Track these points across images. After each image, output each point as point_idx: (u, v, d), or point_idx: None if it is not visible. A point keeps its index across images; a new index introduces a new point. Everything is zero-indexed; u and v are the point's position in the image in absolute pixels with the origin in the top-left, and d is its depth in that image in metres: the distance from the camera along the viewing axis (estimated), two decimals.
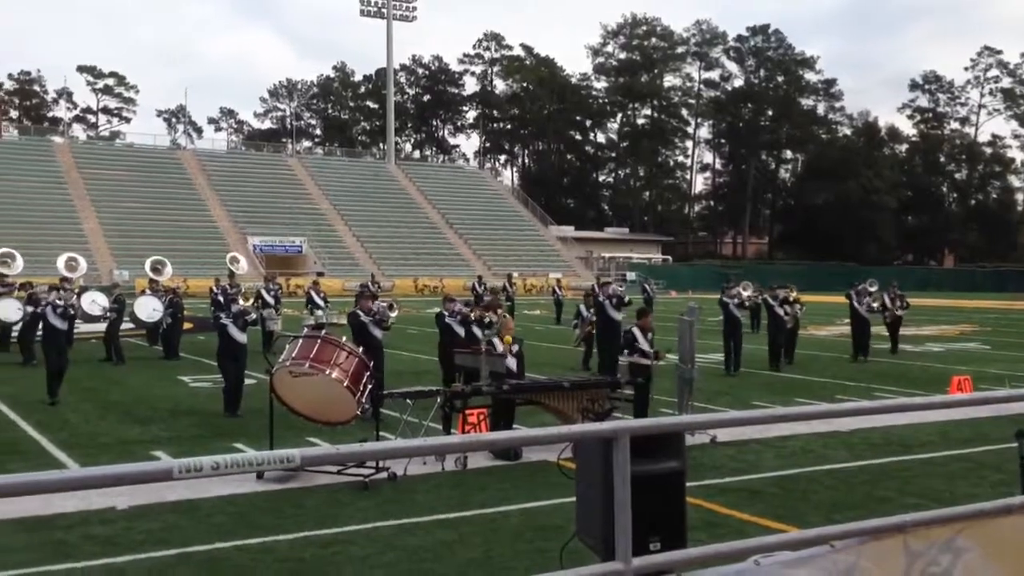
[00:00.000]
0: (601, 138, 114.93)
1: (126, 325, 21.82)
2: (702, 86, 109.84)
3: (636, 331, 12.77)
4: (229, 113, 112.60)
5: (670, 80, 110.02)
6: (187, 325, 24.07)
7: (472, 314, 15.64)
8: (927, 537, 4.46)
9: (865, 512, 7.28)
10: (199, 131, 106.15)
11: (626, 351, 12.71)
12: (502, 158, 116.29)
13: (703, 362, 15.42)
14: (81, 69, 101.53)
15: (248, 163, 78.15)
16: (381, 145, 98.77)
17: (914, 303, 26.53)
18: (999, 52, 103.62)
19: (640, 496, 3.89)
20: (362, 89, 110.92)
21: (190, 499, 8.53)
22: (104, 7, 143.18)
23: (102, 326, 20.63)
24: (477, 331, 15.10)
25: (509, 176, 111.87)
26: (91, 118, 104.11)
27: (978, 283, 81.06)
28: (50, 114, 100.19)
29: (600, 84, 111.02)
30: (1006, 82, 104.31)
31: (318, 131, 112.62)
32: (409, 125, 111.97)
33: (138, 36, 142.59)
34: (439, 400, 11.10)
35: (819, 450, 11.19)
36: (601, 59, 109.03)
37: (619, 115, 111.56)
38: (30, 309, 20.93)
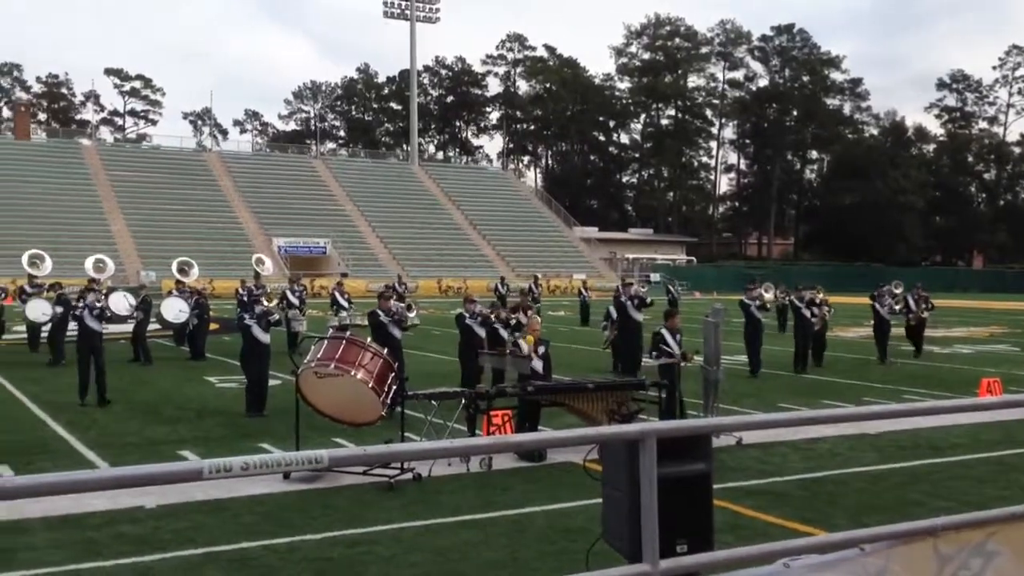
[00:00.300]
0: (625, 139, 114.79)
1: (153, 326, 22.01)
2: (726, 86, 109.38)
3: (664, 332, 12.71)
4: (254, 115, 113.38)
5: (694, 80, 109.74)
6: (213, 326, 24.24)
7: (496, 315, 15.66)
8: (957, 541, 4.42)
9: (894, 516, 7.22)
10: (224, 133, 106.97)
11: (654, 353, 12.65)
12: (525, 159, 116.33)
13: (728, 364, 15.34)
14: (108, 72, 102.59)
15: (273, 165, 78.58)
16: (405, 146, 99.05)
17: (942, 305, 26.30)
18: None
19: (667, 498, 3.88)
20: (386, 91, 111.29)
21: (218, 499, 8.58)
22: (130, 11, 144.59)
23: (129, 327, 20.81)
24: (503, 332, 15.12)
25: (533, 177, 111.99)
26: (118, 121, 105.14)
27: (1008, 284, 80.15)
28: (78, 117, 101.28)
29: (623, 84, 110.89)
30: None
31: (342, 133, 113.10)
32: (432, 126, 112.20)
33: (164, 39, 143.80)
34: (463, 401, 11.11)
35: (847, 453, 11.11)
36: (624, 59, 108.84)
37: (643, 116, 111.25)
38: (59, 310, 21.17)
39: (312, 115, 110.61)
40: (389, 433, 10.67)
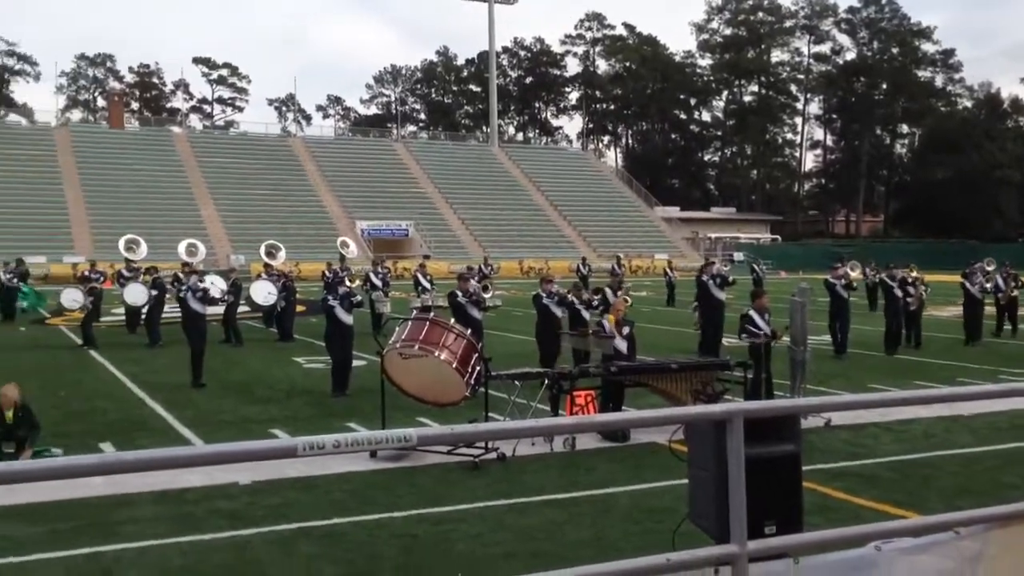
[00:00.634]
0: (706, 116, 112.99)
1: (242, 308, 22.57)
2: (812, 60, 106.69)
3: (752, 313, 12.52)
4: (336, 100, 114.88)
5: (778, 55, 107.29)
6: (299, 308, 24.74)
7: (578, 296, 15.64)
8: None
9: (989, 499, 7.02)
10: (308, 118, 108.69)
11: (743, 335, 12.45)
12: (605, 139, 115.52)
13: (814, 344, 15.05)
14: (196, 61, 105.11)
15: (355, 149, 79.59)
16: (484, 128, 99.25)
17: None
18: None
19: (755, 479, 3.84)
20: (465, 73, 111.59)
21: (308, 476, 8.80)
22: (217, 1, 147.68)
23: (220, 309, 21.37)
24: (585, 313, 15.11)
25: (613, 157, 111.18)
26: (206, 108, 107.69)
27: None
28: (168, 105, 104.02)
29: (705, 61, 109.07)
30: None
31: (422, 116, 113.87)
32: (512, 108, 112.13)
33: (249, 28, 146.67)
34: (546, 382, 11.15)
35: (941, 435, 10.82)
36: (706, 36, 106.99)
37: (725, 92, 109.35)
38: (154, 293, 21.91)
39: (393, 99, 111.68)
40: (473, 414, 10.77)
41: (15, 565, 6.57)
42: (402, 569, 6.52)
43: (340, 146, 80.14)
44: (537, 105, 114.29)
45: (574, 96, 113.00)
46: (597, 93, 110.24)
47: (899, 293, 19.46)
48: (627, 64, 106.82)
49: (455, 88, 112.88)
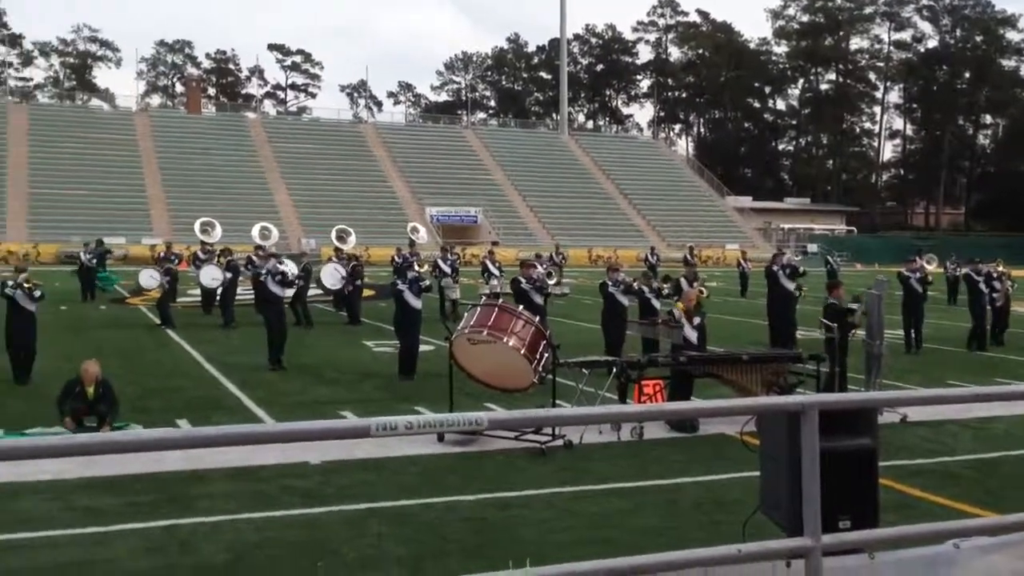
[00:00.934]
0: (781, 105, 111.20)
1: (314, 292, 22.92)
2: (892, 48, 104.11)
3: (833, 302, 12.25)
4: (407, 87, 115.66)
5: (856, 42, 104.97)
6: (368, 292, 25.04)
7: (648, 284, 15.54)
8: None
9: None
10: (379, 105, 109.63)
11: (832, 323, 12.17)
12: (677, 127, 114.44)
13: (891, 338, 14.72)
14: (271, 48, 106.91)
15: (425, 135, 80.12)
16: (554, 116, 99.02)
17: None
18: None
19: (829, 473, 3.79)
20: (535, 60, 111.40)
21: (377, 457, 8.91)
22: None
23: (290, 292, 21.71)
24: (655, 302, 15.02)
25: (684, 146, 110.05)
26: (280, 94, 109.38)
27: None
28: (243, 91, 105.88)
29: (780, 48, 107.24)
30: None
31: (492, 103, 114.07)
32: (582, 95, 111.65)
33: (322, 15, 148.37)
34: (614, 370, 11.10)
35: (1022, 434, 10.51)
36: (782, 22, 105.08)
37: (800, 80, 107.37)
38: (228, 275, 22.38)
39: (463, 86, 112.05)
40: (540, 400, 10.78)
41: (99, 535, 6.79)
42: (469, 552, 6.57)
43: (410, 133, 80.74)
44: (608, 93, 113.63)
45: (645, 84, 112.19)
46: (669, 81, 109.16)
47: (984, 288, 18.86)
48: (700, 51, 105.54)
49: (525, 75, 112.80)
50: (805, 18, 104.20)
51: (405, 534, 6.89)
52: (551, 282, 16.41)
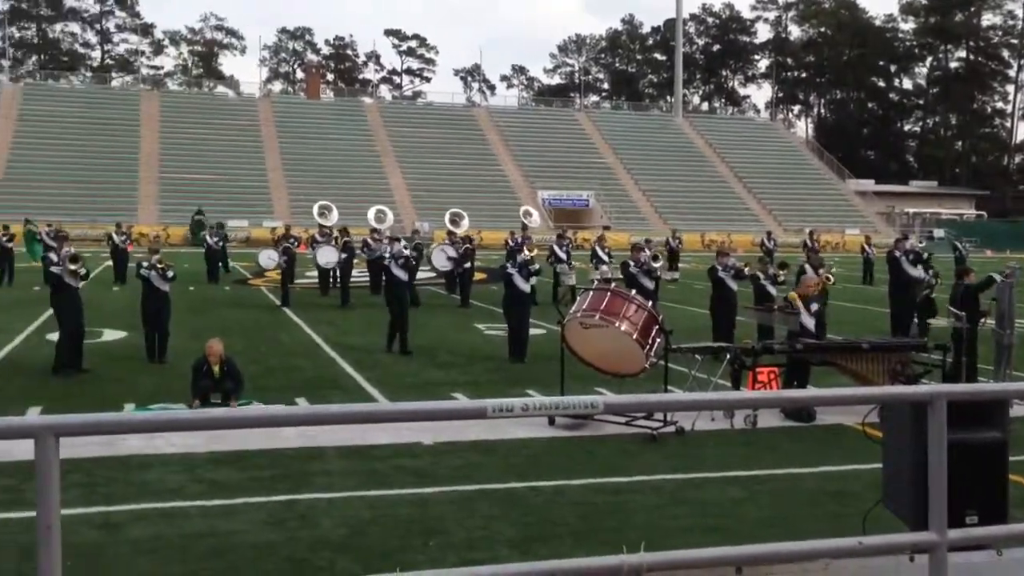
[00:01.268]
0: (907, 84, 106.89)
1: (425, 274, 23.25)
2: None
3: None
4: (520, 70, 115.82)
5: (989, 19, 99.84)
6: (479, 276, 25.26)
7: (764, 270, 15.21)
8: None
9: None
10: (492, 88, 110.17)
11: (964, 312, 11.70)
12: (796, 108, 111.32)
13: (1022, 328, 14.02)
14: (388, 33, 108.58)
15: (538, 118, 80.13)
16: (668, 98, 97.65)
17: None
18: None
19: (956, 466, 3.64)
20: (650, 41, 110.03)
21: (488, 439, 8.99)
22: None
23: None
24: (771, 288, 14.70)
25: (803, 127, 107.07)
26: (396, 79, 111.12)
27: None
28: (360, 76, 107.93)
29: (907, 25, 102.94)
30: None
31: (605, 85, 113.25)
32: (697, 76, 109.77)
33: None
34: (728, 356, 10.92)
35: None
36: None
37: (928, 59, 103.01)
38: (344, 256, 22.94)
39: (576, 68, 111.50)
40: (651, 386, 10.67)
41: (223, 507, 7.06)
42: (579, 536, 6.57)
43: (523, 116, 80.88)
44: (724, 74, 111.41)
45: (763, 64, 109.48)
46: (788, 60, 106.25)
47: None
48: (822, 29, 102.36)
49: (639, 57, 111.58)
50: None
51: (514, 516, 6.94)
52: (656, 265, 16.28)
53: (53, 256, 12.85)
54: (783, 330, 11.93)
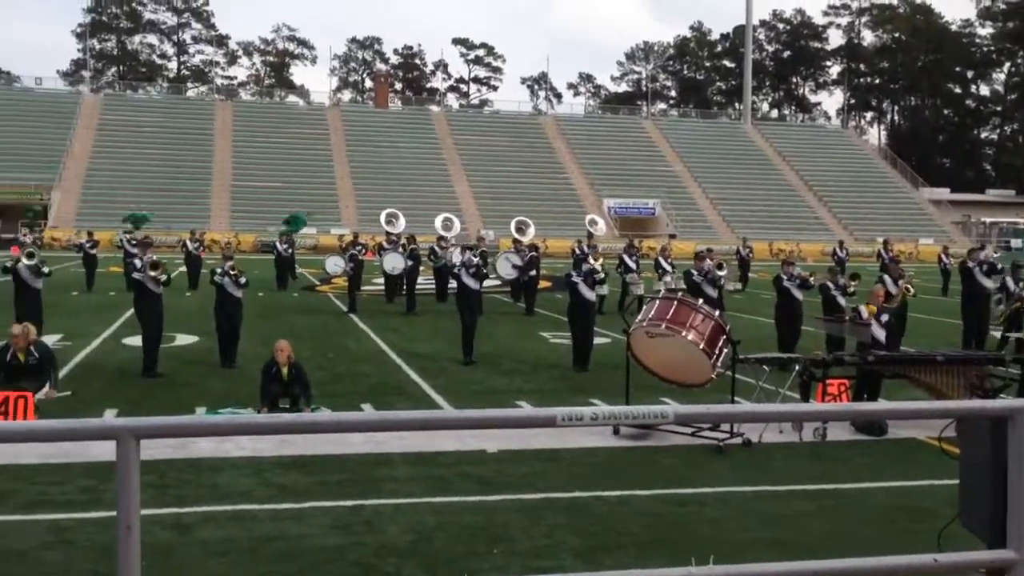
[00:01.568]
0: (984, 90, 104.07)
1: (490, 282, 23.31)
2: None
3: None
4: (587, 78, 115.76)
5: None
6: (544, 284, 25.27)
7: (835, 281, 14.96)
8: None
9: None
10: (559, 96, 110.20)
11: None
12: (868, 115, 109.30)
13: None
14: (455, 42, 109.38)
15: (604, 126, 79.93)
16: (737, 105, 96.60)
17: None
18: None
19: None
20: (719, 48, 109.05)
21: (552, 448, 8.98)
22: None
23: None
24: (841, 299, 14.45)
25: (876, 134, 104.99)
26: (463, 88, 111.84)
27: None
28: (428, 85, 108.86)
29: (985, 30, 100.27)
30: None
31: (673, 93, 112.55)
32: (767, 83, 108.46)
33: (506, 7, 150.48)
34: (797, 368, 10.75)
35: None
36: (987, 2, 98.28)
37: (1007, 64, 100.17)
38: (410, 263, 23.14)
39: (644, 76, 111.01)
40: (717, 397, 10.58)
41: (291, 511, 7.17)
42: (645, 546, 6.52)
43: (589, 124, 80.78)
44: (794, 80, 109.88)
45: (835, 70, 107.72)
46: (861, 66, 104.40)
47: None
48: (896, 34, 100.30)
49: (708, 64, 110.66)
50: None
51: (578, 525, 6.91)
52: (721, 273, 16.14)
53: (137, 262, 13.21)
54: (853, 341, 11.71)
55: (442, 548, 6.43)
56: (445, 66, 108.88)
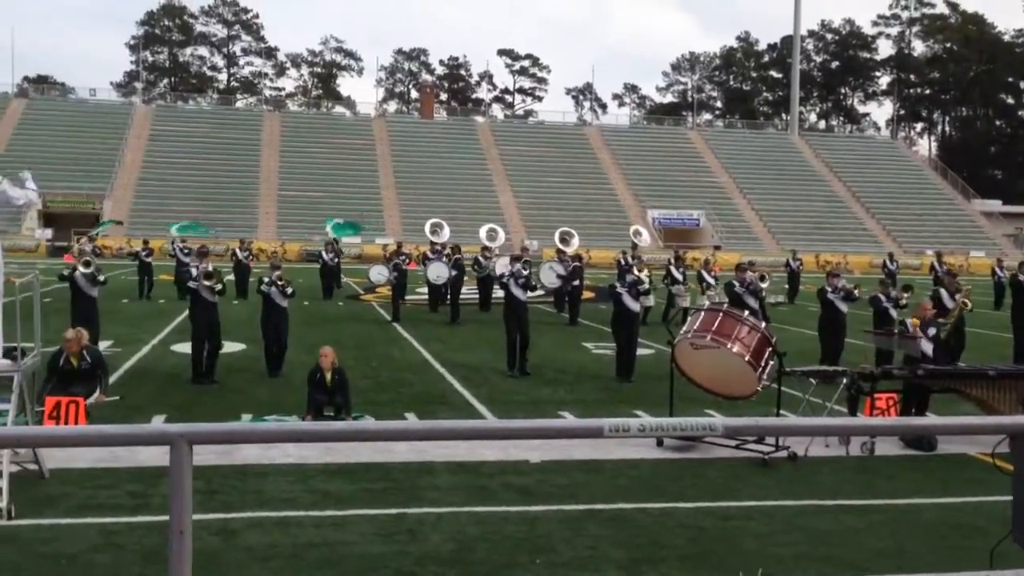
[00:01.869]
0: None
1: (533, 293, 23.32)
2: None
3: None
4: (632, 88, 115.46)
5: None
6: (587, 295, 25.21)
7: (886, 293, 14.77)
8: None
9: None
10: (603, 107, 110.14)
11: None
12: (918, 126, 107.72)
13: None
14: (501, 53, 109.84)
15: (649, 137, 79.68)
16: (784, 116, 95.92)
17: None
18: None
19: None
20: (766, 59, 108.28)
21: (595, 459, 8.95)
22: None
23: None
24: (892, 312, 14.27)
25: (926, 146, 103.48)
26: (508, 98, 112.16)
27: None
28: (473, 96, 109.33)
29: None
30: None
31: (719, 103, 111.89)
32: (815, 94, 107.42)
33: (551, 18, 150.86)
34: (844, 381, 10.60)
35: None
36: None
37: None
38: (454, 273, 23.22)
39: (689, 86, 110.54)
40: (763, 409, 10.48)
41: (335, 518, 7.22)
42: (688, 559, 6.47)
43: (634, 135, 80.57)
44: (843, 91, 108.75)
45: (884, 81, 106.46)
46: (911, 77, 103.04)
47: None
48: (947, 44, 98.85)
49: (754, 74, 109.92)
50: None
51: (621, 537, 6.88)
52: (763, 285, 16.06)
53: (193, 271, 13.41)
54: (902, 355, 11.54)
55: (484, 558, 6.43)
56: (490, 77, 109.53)
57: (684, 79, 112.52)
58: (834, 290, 14.64)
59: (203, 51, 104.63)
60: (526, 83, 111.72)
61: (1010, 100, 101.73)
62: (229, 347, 16.44)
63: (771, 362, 9.74)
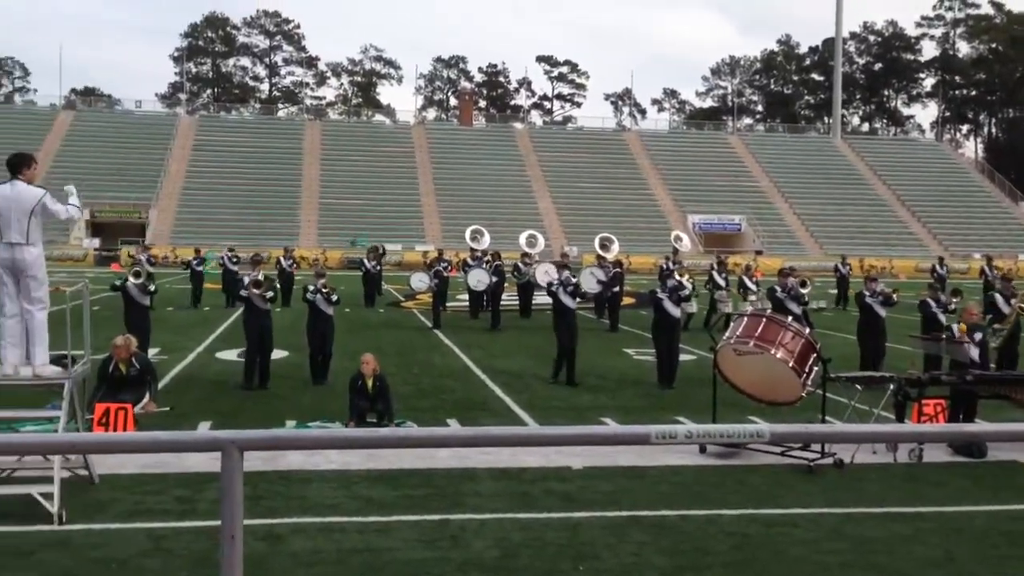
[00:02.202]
0: None
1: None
2: None
3: None
4: (671, 93, 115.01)
5: None
6: (627, 300, 25.10)
7: (935, 298, 14.57)
8: None
9: None
10: (643, 112, 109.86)
11: None
12: (964, 128, 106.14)
13: None
14: (539, 59, 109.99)
15: (689, 142, 79.31)
16: (826, 119, 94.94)
17: None
18: None
19: None
20: (807, 62, 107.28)
21: (638, 466, 8.91)
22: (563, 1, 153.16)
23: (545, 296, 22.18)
24: (941, 317, 14.07)
25: (972, 148, 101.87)
26: (547, 104, 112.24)
27: None
28: (512, 103, 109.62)
29: None
30: None
31: (759, 107, 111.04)
32: (857, 97, 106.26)
33: (590, 24, 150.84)
34: (891, 387, 10.46)
35: None
36: None
37: None
38: (494, 279, 23.25)
39: (729, 91, 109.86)
40: (807, 415, 10.37)
41: (378, 524, 7.26)
42: (732, 567, 6.42)
43: (674, 140, 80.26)
44: (886, 93, 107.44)
45: (929, 82, 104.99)
46: (956, 78, 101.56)
47: None
48: (993, 45, 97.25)
49: (795, 78, 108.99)
50: None
51: (664, 544, 6.84)
52: (804, 291, 15.95)
53: (245, 279, 13.61)
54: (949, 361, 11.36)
55: (527, 564, 6.43)
56: (529, 83, 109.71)
57: (724, 83, 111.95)
58: (872, 294, 14.48)
59: (245, 62, 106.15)
60: (565, 89, 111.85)
61: None
62: (273, 354, 16.60)
63: (815, 368, 9.64)
